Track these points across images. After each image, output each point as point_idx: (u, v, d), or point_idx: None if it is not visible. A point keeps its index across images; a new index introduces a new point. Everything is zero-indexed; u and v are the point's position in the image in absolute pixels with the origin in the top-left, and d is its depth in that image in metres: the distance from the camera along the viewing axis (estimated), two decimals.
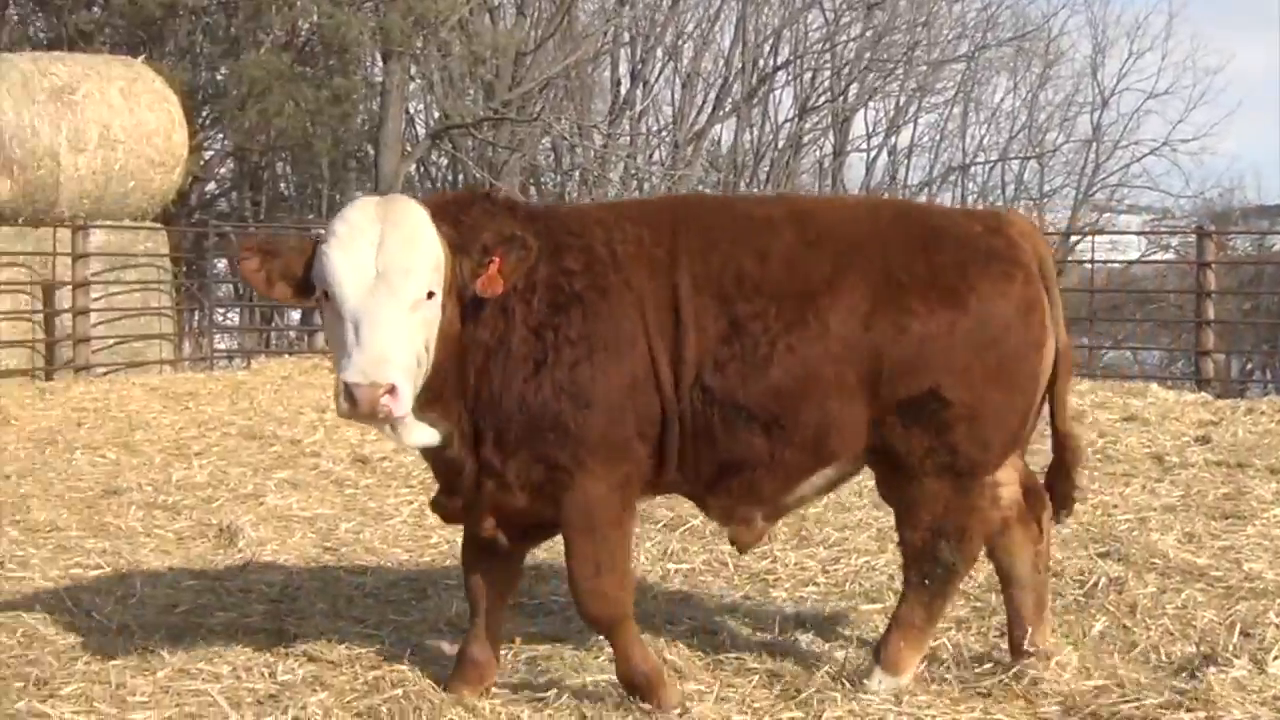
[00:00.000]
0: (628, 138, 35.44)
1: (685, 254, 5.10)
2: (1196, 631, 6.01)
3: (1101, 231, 33.30)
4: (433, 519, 8.48)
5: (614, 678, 5.24)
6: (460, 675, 5.31)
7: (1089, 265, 25.23)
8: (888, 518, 8.29)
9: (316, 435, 11.93)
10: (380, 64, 28.51)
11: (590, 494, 4.98)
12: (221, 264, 26.86)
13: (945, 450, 5.13)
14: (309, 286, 4.74)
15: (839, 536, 7.92)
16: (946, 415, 5.09)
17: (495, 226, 4.88)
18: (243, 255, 4.78)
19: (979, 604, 6.52)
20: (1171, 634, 6.01)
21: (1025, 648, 5.48)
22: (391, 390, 4.49)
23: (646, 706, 5.04)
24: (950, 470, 5.16)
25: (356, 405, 4.45)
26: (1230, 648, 5.66)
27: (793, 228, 5.23)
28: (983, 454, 5.18)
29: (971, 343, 5.11)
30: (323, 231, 4.72)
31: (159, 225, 19.27)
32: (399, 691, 5.19)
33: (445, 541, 8.05)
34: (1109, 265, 30.02)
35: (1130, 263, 33.77)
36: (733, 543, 5.55)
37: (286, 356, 19.98)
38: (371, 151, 29.03)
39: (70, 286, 17.11)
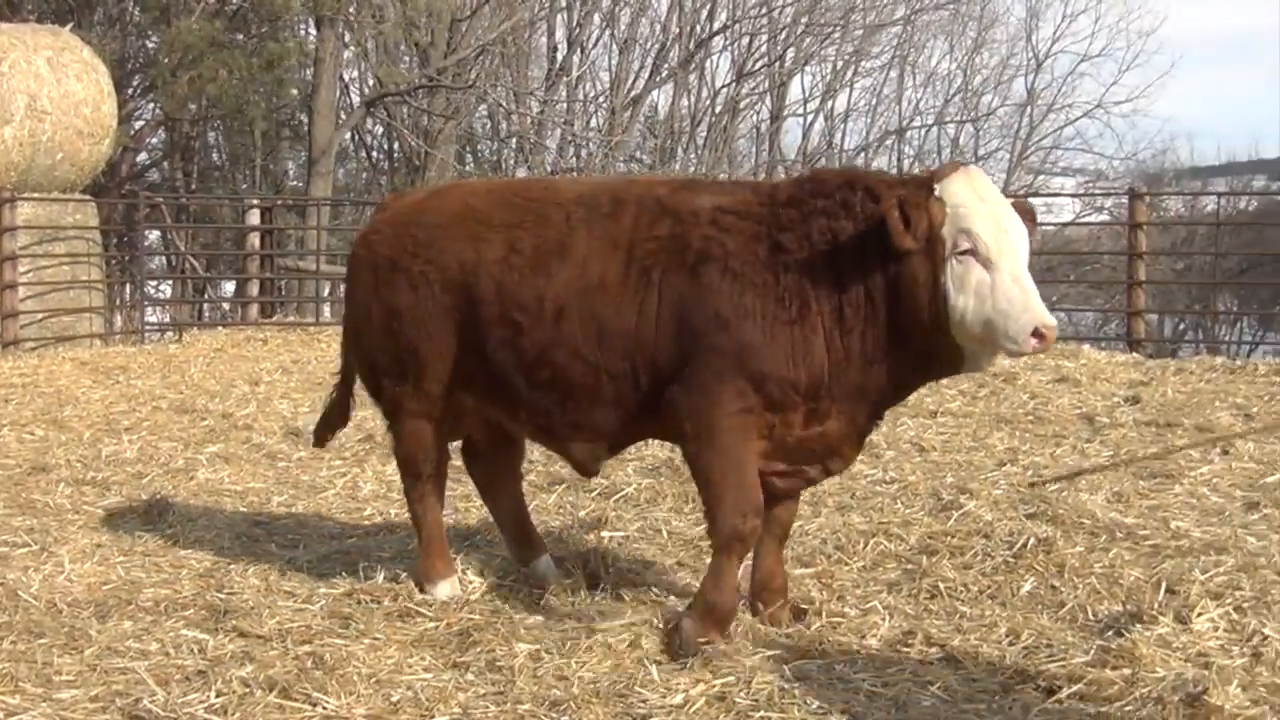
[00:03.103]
0: (564, 104, 35.26)
1: None
2: (1123, 590, 6.10)
3: (1036, 194, 33.39)
4: (367, 489, 8.56)
5: None
6: None
7: None
8: (820, 485, 8.37)
9: (249, 409, 11.81)
10: (314, 30, 28.18)
11: None
12: (153, 235, 26.50)
13: None
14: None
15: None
16: None
17: None
18: (890, 208, 5.22)
19: (910, 566, 6.57)
20: (1099, 593, 6.09)
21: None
22: None
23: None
24: None
25: (1046, 340, 5.14)
26: (1155, 606, 5.76)
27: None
28: None
29: None
30: (936, 195, 5.25)
31: (88, 197, 18.99)
32: (329, 664, 5.18)
33: (378, 514, 8.03)
34: (1043, 227, 30.04)
35: (1064, 225, 34.01)
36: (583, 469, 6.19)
37: (219, 329, 19.70)
38: (305, 120, 28.73)
39: None
